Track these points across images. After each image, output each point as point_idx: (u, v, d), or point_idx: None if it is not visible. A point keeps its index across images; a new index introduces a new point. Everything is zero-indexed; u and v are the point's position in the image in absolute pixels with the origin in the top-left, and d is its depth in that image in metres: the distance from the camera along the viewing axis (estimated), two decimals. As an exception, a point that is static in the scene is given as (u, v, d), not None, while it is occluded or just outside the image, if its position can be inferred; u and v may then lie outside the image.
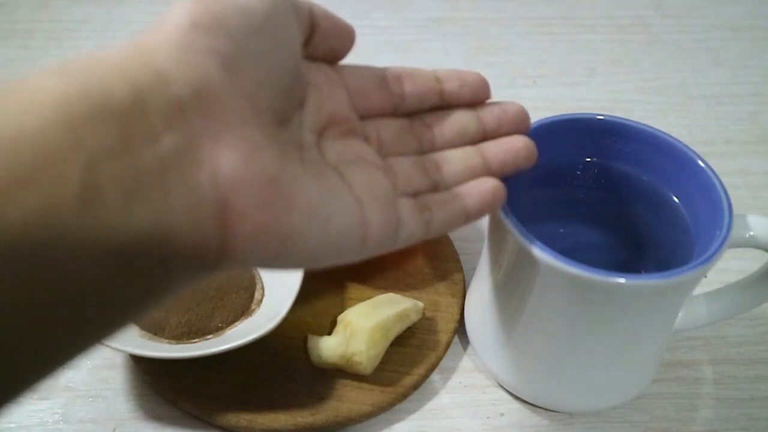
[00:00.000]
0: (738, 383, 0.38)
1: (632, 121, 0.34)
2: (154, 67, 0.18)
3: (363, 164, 0.25)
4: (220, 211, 0.19)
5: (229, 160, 0.19)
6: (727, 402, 0.38)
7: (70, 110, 0.16)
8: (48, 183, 0.15)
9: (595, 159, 0.35)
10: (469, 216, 0.26)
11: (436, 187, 0.27)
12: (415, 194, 0.26)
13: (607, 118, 0.34)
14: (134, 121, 0.17)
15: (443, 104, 0.28)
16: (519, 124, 0.29)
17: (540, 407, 0.37)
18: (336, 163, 0.24)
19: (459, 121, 0.28)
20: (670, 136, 0.33)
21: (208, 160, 0.19)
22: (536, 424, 0.36)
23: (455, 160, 0.27)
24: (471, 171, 0.27)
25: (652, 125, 0.34)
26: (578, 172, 0.35)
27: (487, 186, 0.27)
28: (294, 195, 0.21)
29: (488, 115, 0.28)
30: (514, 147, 0.28)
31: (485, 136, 0.28)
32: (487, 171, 0.27)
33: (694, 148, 0.33)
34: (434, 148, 0.28)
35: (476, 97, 0.28)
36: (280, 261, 0.21)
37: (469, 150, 0.28)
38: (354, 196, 0.23)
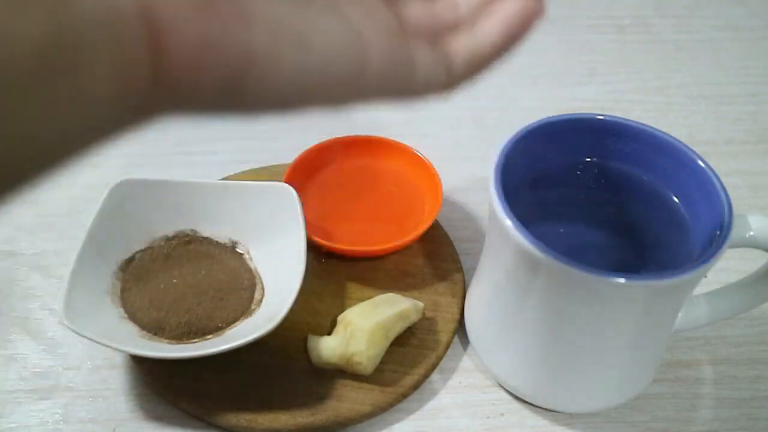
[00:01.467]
0: (738, 383, 0.38)
1: (632, 121, 0.34)
2: None
3: (361, 2, 0.21)
4: (142, 13, 0.16)
5: None
6: (727, 402, 0.38)
7: None
8: None
9: (595, 159, 0.35)
10: (497, 45, 0.21)
11: (452, 29, 0.22)
12: (428, 37, 0.22)
13: (607, 118, 0.34)
14: None
15: None
16: None
17: (540, 407, 0.37)
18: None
19: None
20: (670, 136, 0.33)
21: None
22: (536, 424, 0.36)
23: None
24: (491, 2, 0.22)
25: (652, 125, 0.34)
26: (578, 172, 0.35)
27: (516, 6, 0.21)
28: (248, 5, 0.18)
29: None
30: None
31: None
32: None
33: (694, 148, 0.33)
34: None
35: None
36: (248, 93, 0.18)
37: None
38: (346, 22, 0.19)
